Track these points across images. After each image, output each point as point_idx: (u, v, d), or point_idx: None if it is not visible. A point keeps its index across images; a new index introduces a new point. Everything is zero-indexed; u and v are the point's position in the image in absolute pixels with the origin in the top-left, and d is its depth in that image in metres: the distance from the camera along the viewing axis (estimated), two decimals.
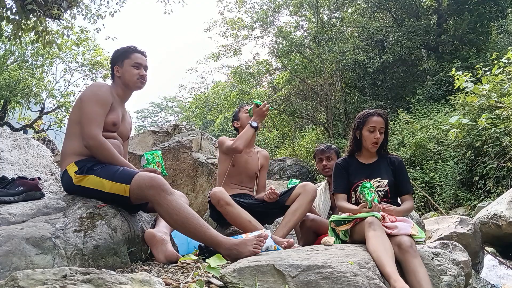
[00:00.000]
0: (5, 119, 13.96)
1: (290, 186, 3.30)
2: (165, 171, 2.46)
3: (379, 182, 2.52)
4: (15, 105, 14.34)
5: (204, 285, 1.57)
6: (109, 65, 2.51)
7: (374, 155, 2.65)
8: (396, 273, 1.82)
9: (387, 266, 1.83)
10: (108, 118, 2.27)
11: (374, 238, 1.99)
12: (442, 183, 8.63)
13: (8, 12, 5.46)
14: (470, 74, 6.76)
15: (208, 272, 1.70)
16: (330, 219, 2.38)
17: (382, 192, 2.49)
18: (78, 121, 2.23)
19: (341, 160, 2.69)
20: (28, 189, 2.18)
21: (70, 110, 2.39)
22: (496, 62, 6.45)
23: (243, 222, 2.57)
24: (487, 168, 7.26)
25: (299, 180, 3.32)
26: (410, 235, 2.08)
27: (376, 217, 2.13)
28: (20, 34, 5.83)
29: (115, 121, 2.31)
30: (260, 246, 1.95)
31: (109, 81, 2.55)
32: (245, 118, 3.07)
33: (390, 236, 2.07)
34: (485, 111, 7.21)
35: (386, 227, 2.13)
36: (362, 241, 2.13)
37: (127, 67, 2.40)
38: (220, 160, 3.08)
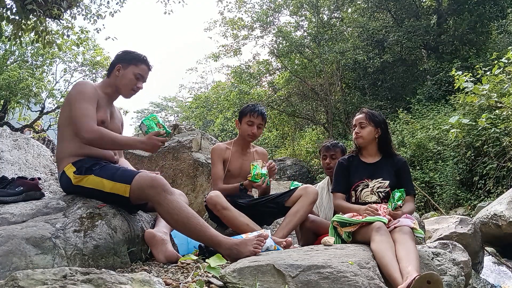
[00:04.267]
0: (5, 119, 13.96)
1: (292, 187, 3.29)
2: (168, 129, 2.36)
3: (380, 183, 2.50)
4: (15, 105, 14.33)
5: (204, 285, 1.57)
6: (109, 64, 2.49)
7: (378, 154, 2.63)
8: None
9: (395, 272, 1.82)
10: (96, 116, 2.23)
11: (382, 243, 1.98)
12: (442, 183, 8.64)
13: (8, 12, 5.45)
14: (470, 74, 6.75)
15: (208, 272, 1.70)
16: (333, 218, 2.36)
17: (383, 193, 2.48)
18: (68, 124, 2.19)
19: (344, 159, 2.67)
20: (28, 189, 2.17)
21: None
22: (496, 62, 6.44)
23: (241, 225, 2.56)
24: (487, 168, 7.26)
25: (301, 184, 3.31)
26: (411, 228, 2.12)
27: (384, 222, 2.13)
28: (20, 34, 5.82)
29: (103, 118, 2.28)
30: (260, 246, 1.95)
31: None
32: (244, 129, 2.99)
33: (391, 231, 2.09)
34: (485, 111, 7.21)
35: (389, 227, 2.15)
36: (364, 244, 2.13)
37: (129, 73, 2.37)
38: (213, 163, 3.01)
